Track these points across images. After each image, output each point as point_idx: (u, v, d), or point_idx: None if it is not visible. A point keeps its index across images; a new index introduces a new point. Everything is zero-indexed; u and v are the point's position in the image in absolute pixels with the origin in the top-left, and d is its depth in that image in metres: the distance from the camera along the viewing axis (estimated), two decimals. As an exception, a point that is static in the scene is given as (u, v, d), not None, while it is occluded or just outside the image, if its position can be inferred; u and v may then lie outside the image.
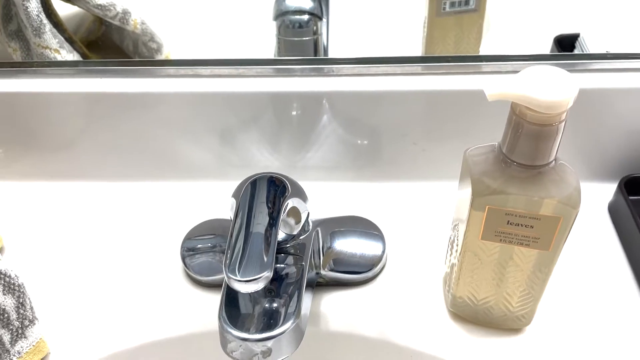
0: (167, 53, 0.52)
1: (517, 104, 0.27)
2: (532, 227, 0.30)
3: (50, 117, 0.47)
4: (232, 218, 0.35)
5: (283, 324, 0.31)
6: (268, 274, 0.28)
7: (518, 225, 0.30)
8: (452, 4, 0.46)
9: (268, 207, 0.31)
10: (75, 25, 0.53)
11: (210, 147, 0.46)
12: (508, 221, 0.30)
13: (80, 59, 0.50)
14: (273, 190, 0.32)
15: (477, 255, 0.33)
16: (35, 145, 0.49)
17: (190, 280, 0.41)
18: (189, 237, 0.42)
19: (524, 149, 0.28)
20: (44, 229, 0.46)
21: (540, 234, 0.31)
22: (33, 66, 0.46)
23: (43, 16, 0.48)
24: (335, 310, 0.39)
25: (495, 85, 0.26)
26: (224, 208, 0.45)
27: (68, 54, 0.50)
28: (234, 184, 0.45)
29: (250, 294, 0.32)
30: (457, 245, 0.34)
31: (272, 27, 0.46)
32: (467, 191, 0.31)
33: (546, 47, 0.48)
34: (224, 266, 0.28)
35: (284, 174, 0.35)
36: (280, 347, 0.31)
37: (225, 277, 0.28)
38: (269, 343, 0.30)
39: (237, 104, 0.45)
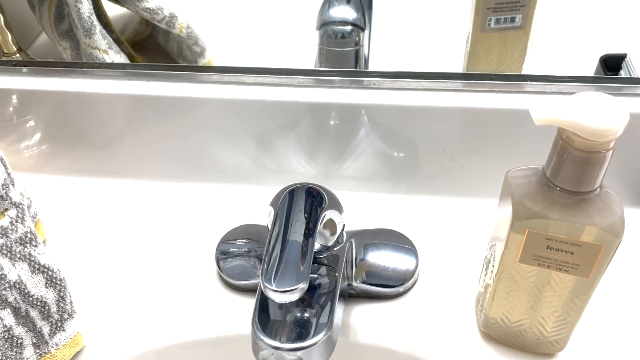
0: (209, 57, 0.53)
1: (565, 129, 0.27)
2: (572, 253, 0.30)
3: (96, 116, 0.49)
4: (269, 226, 0.35)
5: (315, 334, 0.31)
6: (304, 286, 0.28)
7: (558, 250, 0.30)
8: (498, 21, 0.45)
9: (305, 218, 0.31)
10: (122, 26, 0.55)
11: (249, 153, 0.47)
12: (548, 246, 0.30)
13: (127, 59, 0.51)
14: (310, 201, 0.33)
15: (514, 277, 0.33)
16: (80, 143, 0.51)
17: (223, 283, 0.42)
18: (224, 240, 0.43)
19: (568, 175, 0.28)
20: (84, 224, 0.47)
21: (581, 260, 0.30)
22: (83, 67, 0.48)
23: (94, 17, 0.50)
24: (365, 322, 0.39)
25: (544, 110, 0.26)
26: (259, 213, 0.45)
27: (116, 55, 0.51)
28: (270, 190, 0.45)
29: (278, 304, 0.32)
30: (493, 265, 0.34)
31: (314, 36, 0.47)
32: (507, 213, 0.31)
33: (591, 67, 0.47)
34: (261, 275, 0.29)
35: (321, 185, 0.35)
36: (311, 357, 0.31)
37: (262, 286, 0.28)
38: (301, 353, 0.30)
39: (278, 112, 0.45)
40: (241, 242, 0.42)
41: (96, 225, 0.47)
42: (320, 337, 0.31)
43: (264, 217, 0.43)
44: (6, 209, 0.35)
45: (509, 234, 0.31)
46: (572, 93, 0.43)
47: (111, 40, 0.51)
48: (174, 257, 0.44)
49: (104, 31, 0.51)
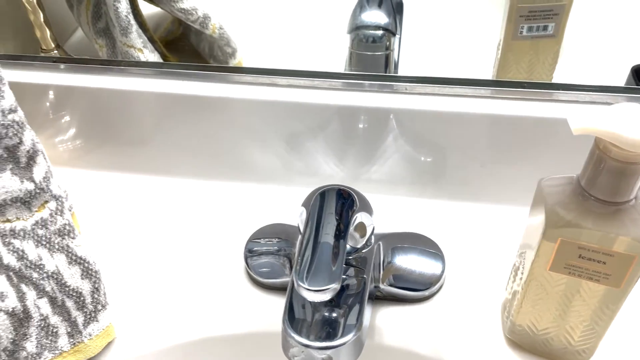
0: (239, 58, 0.54)
1: (602, 139, 0.27)
2: (604, 263, 0.30)
3: (129, 113, 0.50)
4: (299, 226, 0.36)
5: (345, 334, 0.32)
6: (336, 286, 0.29)
7: (590, 260, 0.30)
8: (530, 29, 0.46)
9: (337, 219, 0.32)
10: (155, 26, 0.56)
11: (278, 154, 0.48)
12: (580, 255, 0.30)
13: (160, 58, 0.52)
14: (342, 203, 0.33)
15: (543, 285, 0.33)
16: (112, 139, 0.52)
17: (251, 280, 0.42)
18: (253, 239, 0.43)
19: (604, 185, 0.28)
20: (114, 219, 0.48)
21: (612, 270, 0.30)
22: (120, 65, 0.49)
23: (131, 17, 0.51)
24: (390, 324, 0.39)
25: (581, 119, 0.26)
26: (287, 213, 0.46)
27: (150, 54, 0.52)
28: (298, 190, 0.46)
29: (309, 303, 0.33)
30: (522, 273, 0.34)
31: (342, 39, 0.47)
32: (539, 220, 0.31)
33: (622, 77, 0.47)
34: (294, 273, 0.29)
35: (352, 187, 0.35)
36: (340, 357, 0.31)
37: (295, 285, 0.29)
38: (331, 352, 0.31)
39: (308, 114, 0.46)
40: (270, 241, 0.43)
41: (127, 220, 0.48)
42: (349, 337, 0.31)
43: (293, 217, 0.44)
44: (46, 201, 0.36)
45: (541, 242, 0.31)
46: (604, 103, 0.43)
47: (146, 39, 0.52)
48: (202, 254, 0.45)
49: (139, 30, 0.52)
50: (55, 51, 0.54)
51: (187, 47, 0.57)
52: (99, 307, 0.38)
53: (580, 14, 0.44)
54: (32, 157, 0.35)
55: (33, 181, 0.35)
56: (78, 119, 0.52)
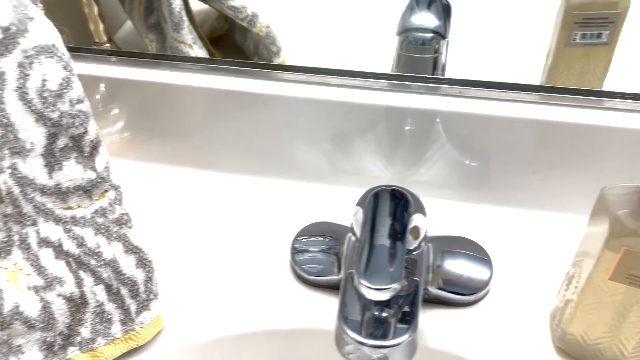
0: (283, 57, 0.55)
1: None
2: (667, 274, 0.30)
3: (177, 108, 0.51)
4: (353, 225, 0.36)
5: (400, 335, 0.32)
6: (397, 286, 0.29)
7: (653, 270, 0.30)
8: (584, 36, 0.45)
9: (395, 220, 0.32)
10: (199, 22, 0.57)
11: (325, 152, 0.48)
12: (643, 265, 0.30)
13: (207, 55, 0.53)
14: (398, 204, 0.33)
15: (599, 294, 0.33)
16: (160, 132, 0.53)
17: (297, 277, 0.43)
18: (300, 236, 0.44)
19: (674, 195, 0.28)
20: (161, 211, 0.49)
21: (676, 283, 0.30)
22: (174, 60, 0.50)
23: (184, 13, 0.52)
24: (437, 327, 0.39)
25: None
26: (333, 212, 0.46)
27: (199, 50, 0.53)
28: (344, 190, 0.46)
29: (366, 301, 0.33)
30: (577, 281, 0.34)
31: (389, 41, 0.48)
32: (601, 229, 0.31)
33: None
34: (356, 271, 0.29)
35: (406, 188, 0.36)
36: (395, 357, 0.32)
37: (355, 282, 0.29)
38: (387, 351, 0.31)
39: (356, 114, 0.46)
40: (317, 238, 0.43)
41: (173, 212, 0.49)
42: (405, 337, 0.31)
43: (339, 216, 0.44)
44: (106, 191, 0.37)
45: (603, 251, 0.31)
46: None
47: (196, 35, 0.53)
48: (247, 250, 0.45)
49: (190, 26, 0.53)
50: (107, 45, 0.56)
51: (231, 45, 0.57)
52: (151, 296, 0.39)
53: (635, 22, 0.43)
54: (95, 147, 0.36)
55: (95, 170, 0.36)
56: (127, 111, 0.53)
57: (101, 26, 0.55)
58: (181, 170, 0.53)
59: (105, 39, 0.56)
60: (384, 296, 0.29)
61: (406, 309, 0.33)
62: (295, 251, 0.43)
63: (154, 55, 0.52)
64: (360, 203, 0.35)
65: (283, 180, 0.50)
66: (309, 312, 0.41)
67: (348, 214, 0.45)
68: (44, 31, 0.33)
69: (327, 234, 0.43)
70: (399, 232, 0.31)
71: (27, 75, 0.32)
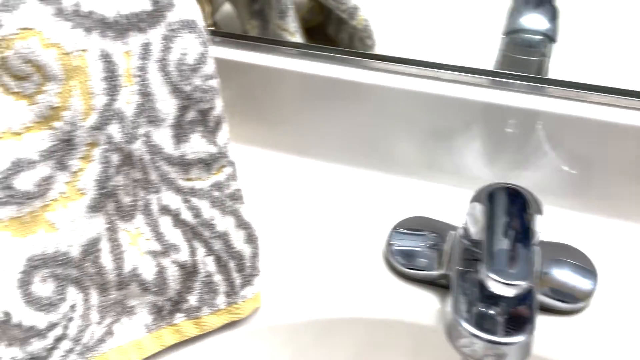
0: (376, 51, 0.55)
1: None
2: None
3: (276, 92, 0.52)
4: (467, 221, 0.36)
5: (518, 334, 0.31)
6: (526, 284, 0.29)
7: None
8: None
9: (520, 218, 0.32)
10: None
11: (424, 147, 0.48)
12: None
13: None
14: (522, 203, 0.33)
15: None
16: (257, 114, 0.54)
17: (391, 269, 0.43)
18: (397, 229, 0.44)
19: None
20: (256, 192, 0.50)
21: None
22: (284, 45, 0.51)
23: (290, 1, 0.53)
24: (540, 334, 0.38)
25: None
26: (431, 207, 0.46)
27: (300, 39, 0.54)
28: (441, 187, 0.46)
29: (488, 296, 0.33)
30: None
31: (490, 40, 0.47)
32: None
33: None
34: (485, 265, 0.29)
35: (526, 188, 0.35)
36: (510, 355, 0.31)
37: (482, 276, 0.29)
38: (505, 349, 0.31)
39: (458, 110, 0.46)
40: (415, 232, 0.43)
41: (268, 195, 0.50)
42: (522, 338, 0.31)
43: (436, 212, 0.44)
44: (223, 166, 0.38)
45: None
46: None
47: (297, 24, 0.54)
48: (341, 237, 0.46)
49: (294, 15, 0.54)
50: (212, 27, 0.57)
51: (323, 36, 0.58)
52: (255, 272, 0.40)
53: None
54: (218, 123, 0.37)
55: (217, 145, 0.37)
56: (227, 93, 0.54)
57: (207, 8, 0.57)
58: (277, 155, 0.53)
59: (210, 21, 0.57)
60: (511, 292, 0.29)
61: (524, 309, 0.33)
62: (391, 243, 0.43)
63: (265, 40, 0.52)
64: (476, 199, 0.35)
65: (380, 173, 0.50)
66: (402, 304, 0.41)
67: (445, 210, 0.45)
68: (187, 6, 0.34)
69: (426, 228, 0.43)
70: (525, 231, 0.31)
71: (169, 48, 0.34)
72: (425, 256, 0.41)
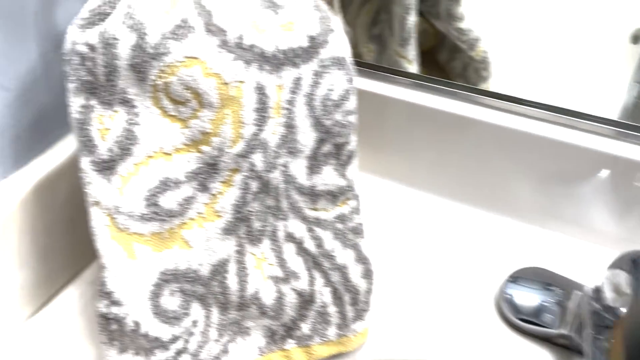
0: (487, 84, 0.54)
1: None
2: None
3: (392, 121, 0.51)
4: (603, 286, 0.34)
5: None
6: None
7: None
8: None
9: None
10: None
11: (544, 193, 0.46)
12: None
13: (419, 72, 0.53)
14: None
15: None
16: (372, 143, 0.53)
17: (503, 319, 0.42)
18: (514, 277, 0.42)
19: None
20: (372, 222, 0.49)
21: None
22: (420, 79, 0.50)
23: (413, 29, 0.53)
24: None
25: None
26: (547, 257, 0.44)
27: (417, 67, 0.54)
28: (559, 237, 0.44)
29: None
30: None
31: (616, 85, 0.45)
32: None
33: None
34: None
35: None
36: None
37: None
38: None
39: (581, 158, 0.44)
40: (535, 284, 0.41)
41: (381, 226, 0.49)
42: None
43: (553, 264, 0.42)
44: (349, 199, 0.38)
45: None
46: None
47: (416, 53, 0.54)
48: (452, 279, 0.45)
49: (415, 44, 0.53)
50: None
51: (433, 63, 0.57)
52: (367, 307, 0.40)
53: None
54: (350, 157, 0.37)
55: (346, 178, 0.37)
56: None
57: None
58: (388, 184, 0.53)
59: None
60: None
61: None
62: (506, 293, 0.42)
63: (378, 67, 0.52)
64: (618, 266, 0.33)
65: (494, 215, 0.49)
66: (513, 356, 0.40)
67: (563, 263, 0.43)
68: (339, 44, 0.34)
69: (545, 280, 0.41)
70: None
71: (318, 83, 0.34)
72: (545, 311, 0.40)
